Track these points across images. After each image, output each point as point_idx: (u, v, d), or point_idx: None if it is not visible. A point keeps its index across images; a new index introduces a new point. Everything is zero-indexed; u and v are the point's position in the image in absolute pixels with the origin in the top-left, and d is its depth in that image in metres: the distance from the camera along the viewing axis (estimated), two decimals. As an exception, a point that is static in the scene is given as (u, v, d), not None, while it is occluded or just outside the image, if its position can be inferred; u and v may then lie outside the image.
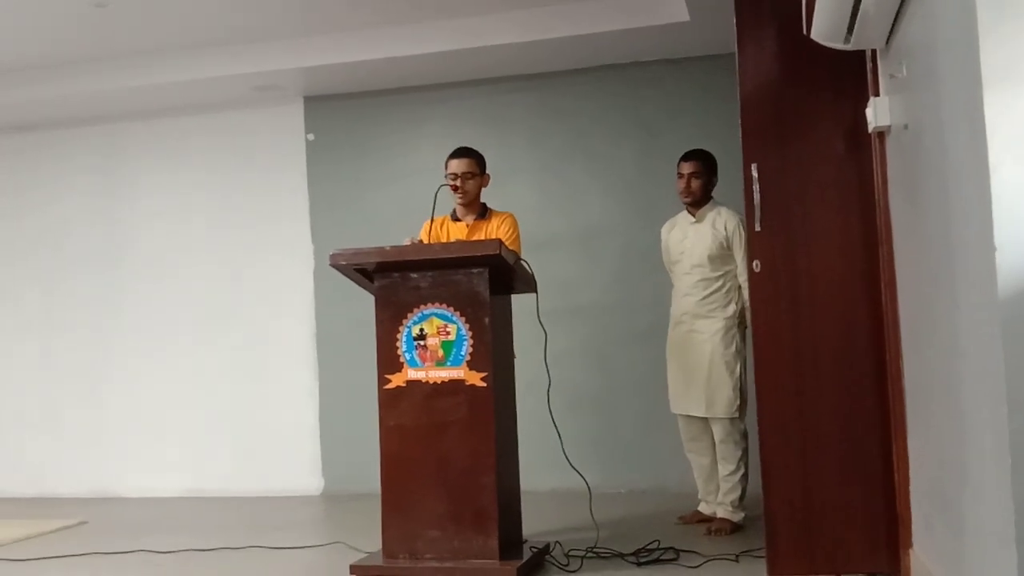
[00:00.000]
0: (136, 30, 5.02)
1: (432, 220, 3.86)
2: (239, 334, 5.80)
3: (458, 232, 3.86)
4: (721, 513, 3.95)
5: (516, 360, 3.68)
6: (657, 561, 3.45)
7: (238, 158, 5.90)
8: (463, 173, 3.81)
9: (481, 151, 3.91)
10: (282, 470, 5.66)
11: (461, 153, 3.86)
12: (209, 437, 5.77)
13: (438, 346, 3.33)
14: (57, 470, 5.98)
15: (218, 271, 5.87)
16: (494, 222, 3.84)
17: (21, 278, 6.18)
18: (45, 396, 6.07)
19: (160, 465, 5.81)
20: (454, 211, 3.92)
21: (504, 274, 3.43)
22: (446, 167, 3.85)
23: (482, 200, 3.90)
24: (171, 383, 5.86)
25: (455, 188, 3.81)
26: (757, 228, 3.05)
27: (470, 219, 3.87)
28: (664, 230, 4.24)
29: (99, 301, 6.02)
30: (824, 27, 2.59)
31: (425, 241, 3.81)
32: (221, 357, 5.80)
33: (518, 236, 3.83)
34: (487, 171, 3.90)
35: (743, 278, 3.84)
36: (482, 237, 3.77)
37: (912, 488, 2.75)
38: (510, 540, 3.39)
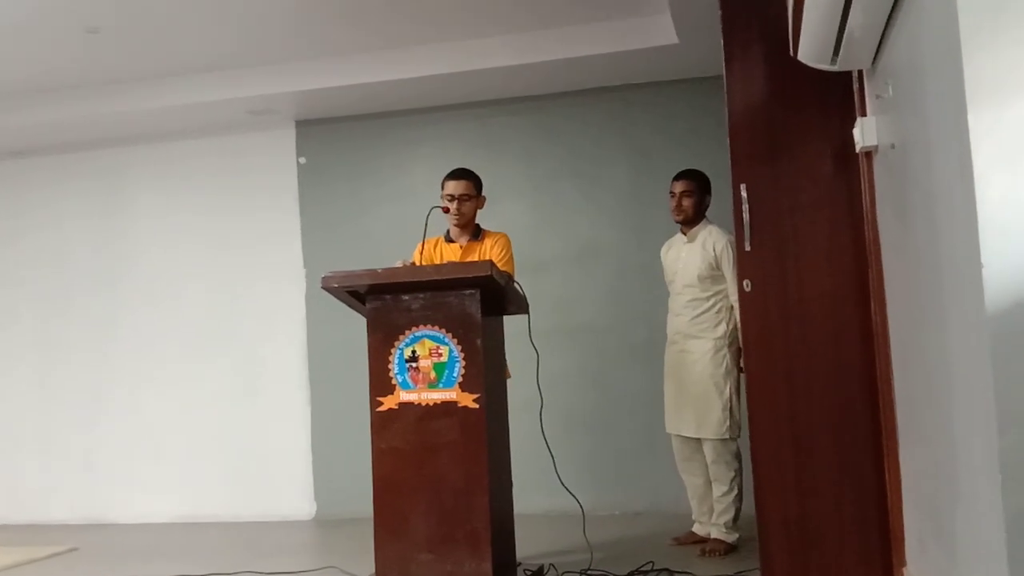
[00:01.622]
0: (129, 56, 5.04)
1: (424, 242, 3.86)
2: (232, 358, 5.78)
3: (452, 253, 3.86)
4: (715, 534, 3.93)
5: (509, 381, 3.68)
6: (652, 583, 3.44)
7: (231, 181, 5.91)
8: (460, 195, 3.82)
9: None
10: (274, 495, 5.62)
11: (459, 175, 3.87)
12: (202, 461, 5.74)
13: (430, 368, 3.32)
14: (51, 494, 5.94)
15: (211, 294, 5.86)
16: (488, 243, 3.84)
17: (18, 301, 6.16)
18: (41, 419, 6.04)
19: (153, 490, 5.77)
20: (448, 232, 3.92)
21: (496, 295, 3.43)
22: (443, 187, 3.86)
23: (476, 221, 3.91)
24: (165, 407, 5.84)
25: (447, 210, 3.82)
26: (747, 247, 3.07)
27: (464, 240, 3.87)
28: (663, 250, 4.26)
29: (96, 323, 6.00)
30: (811, 48, 2.62)
31: (418, 263, 3.80)
32: (214, 381, 5.78)
33: (511, 257, 3.83)
34: (483, 193, 3.91)
35: (734, 298, 3.82)
36: (476, 258, 3.76)
37: (905, 506, 2.75)
38: (503, 562, 3.37)
